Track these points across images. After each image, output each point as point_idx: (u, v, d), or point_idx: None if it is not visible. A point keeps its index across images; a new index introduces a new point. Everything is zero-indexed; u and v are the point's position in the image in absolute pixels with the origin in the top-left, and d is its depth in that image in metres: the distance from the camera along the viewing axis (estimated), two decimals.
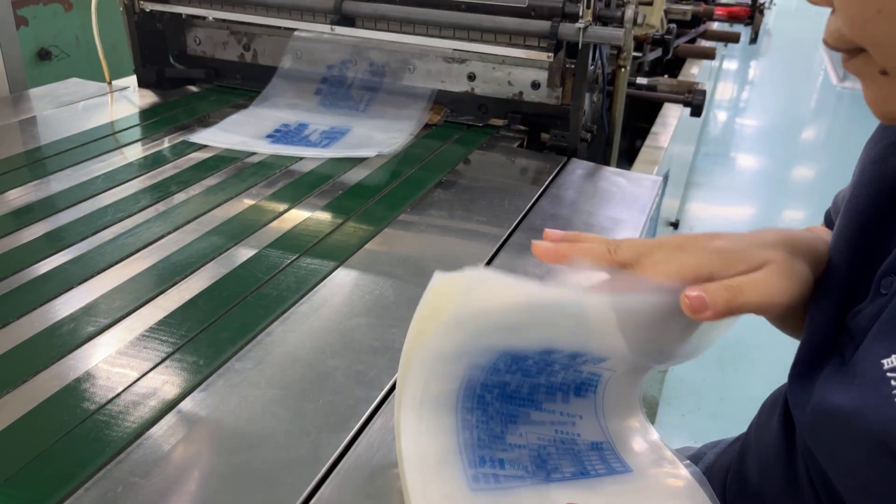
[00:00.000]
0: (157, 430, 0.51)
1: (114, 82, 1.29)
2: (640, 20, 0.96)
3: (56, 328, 0.62)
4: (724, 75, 5.55)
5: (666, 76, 1.89)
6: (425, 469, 0.43)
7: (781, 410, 0.49)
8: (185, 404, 0.54)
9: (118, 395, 0.54)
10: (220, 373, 0.57)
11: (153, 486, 0.47)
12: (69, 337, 0.60)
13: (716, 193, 3.47)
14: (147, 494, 0.46)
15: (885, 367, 0.36)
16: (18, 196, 0.85)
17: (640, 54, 1.57)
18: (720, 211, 3.35)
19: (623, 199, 0.94)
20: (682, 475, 0.46)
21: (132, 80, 1.30)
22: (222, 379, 0.57)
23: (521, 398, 0.46)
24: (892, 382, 0.35)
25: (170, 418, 0.52)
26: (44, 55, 2.28)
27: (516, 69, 1.10)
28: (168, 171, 0.94)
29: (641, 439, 0.48)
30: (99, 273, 0.70)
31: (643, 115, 1.68)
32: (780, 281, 0.42)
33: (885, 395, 0.35)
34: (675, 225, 2.22)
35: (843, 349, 0.42)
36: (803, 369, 0.45)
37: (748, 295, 0.41)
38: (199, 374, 0.57)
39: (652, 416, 1.72)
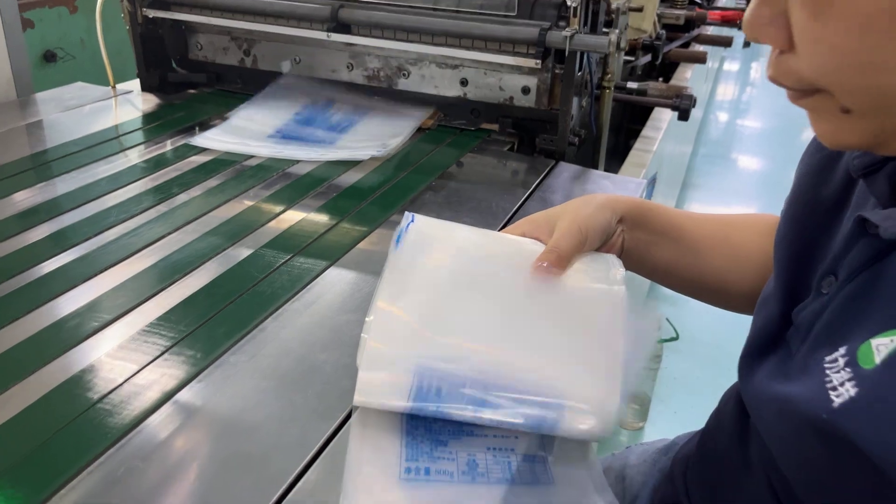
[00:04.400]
0: (156, 418, 0.55)
1: (118, 86, 1.33)
2: (623, 45, 1.00)
3: (62, 323, 0.65)
4: (724, 76, 5.58)
5: (660, 79, 1.93)
6: (365, 449, 0.48)
7: (737, 397, 0.53)
8: (183, 394, 0.57)
9: (119, 385, 0.58)
10: (216, 365, 0.61)
11: (153, 469, 0.50)
12: (74, 332, 0.64)
13: (714, 195, 3.50)
14: (147, 476, 0.50)
15: (826, 361, 0.39)
16: (26, 198, 0.89)
17: (632, 59, 1.60)
18: (718, 211, 3.37)
19: None
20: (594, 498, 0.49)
21: (135, 84, 1.34)
22: (218, 371, 0.60)
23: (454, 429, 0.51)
24: (828, 373, 0.38)
25: (168, 407, 0.56)
26: (49, 57, 2.31)
27: (507, 75, 1.13)
28: (170, 173, 0.98)
29: (578, 457, 0.51)
30: (102, 271, 0.74)
31: (638, 117, 1.72)
32: (567, 230, 0.56)
33: (818, 386, 0.38)
34: None
35: (789, 341, 0.46)
36: (752, 357, 0.48)
37: (561, 246, 0.55)
38: (197, 366, 0.60)
39: (644, 414, 1.75)
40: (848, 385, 0.36)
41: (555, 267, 0.53)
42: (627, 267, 0.57)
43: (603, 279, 0.55)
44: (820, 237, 0.48)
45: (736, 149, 4.18)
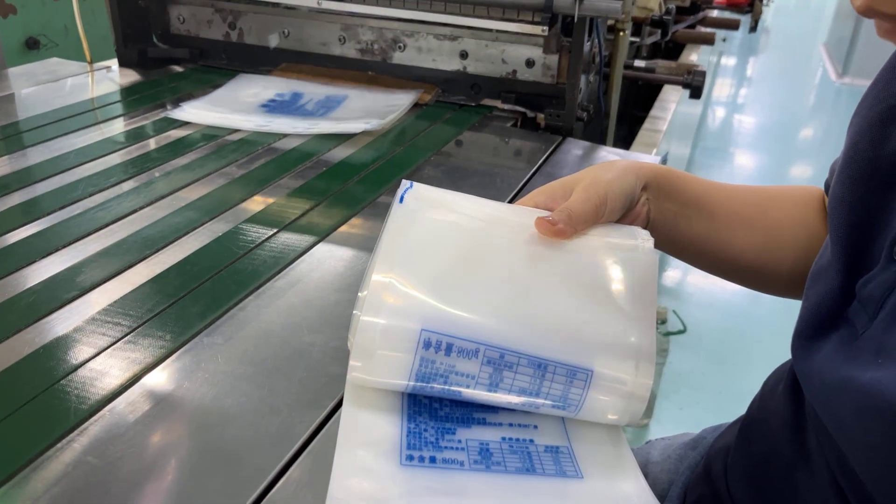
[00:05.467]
0: (117, 405, 0.47)
1: (95, 63, 1.25)
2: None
3: (15, 301, 0.58)
4: (722, 71, 5.52)
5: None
6: (360, 434, 0.42)
7: (789, 382, 0.46)
8: (148, 380, 0.50)
9: (74, 369, 0.50)
10: (187, 348, 0.53)
11: (111, 466, 0.43)
12: (28, 310, 0.56)
13: None
14: (104, 474, 0.42)
15: None
16: None
17: (637, 39, 1.53)
18: None
19: None
20: (631, 491, 0.42)
21: (114, 61, 1.26)
22: (189, 355, 0.53)
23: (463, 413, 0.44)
24: None
25: (130, 394, 0.49)
26: (32, 44, 2.23)
27: (510, 46, 1.06)
28: (146, 147, 0.90)
29: (608, 450, 0.44)
30: (65, 246, 0.66)
31: (641, 104, 1.65)
32: (584, 194, 0.48)
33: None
34: None
35: (853, 319, 0.39)
36: (809, 339, 0.41)
37: (573, 207, 0.47)
38: (164, 349, 0.53)
39: (649, 411, 1.68)
40: None
41: (564, 226, 0.46)
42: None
43: (629, 247, 0.47)
44: (886, 198, 0.41)
45: (735, 143, 4.12)
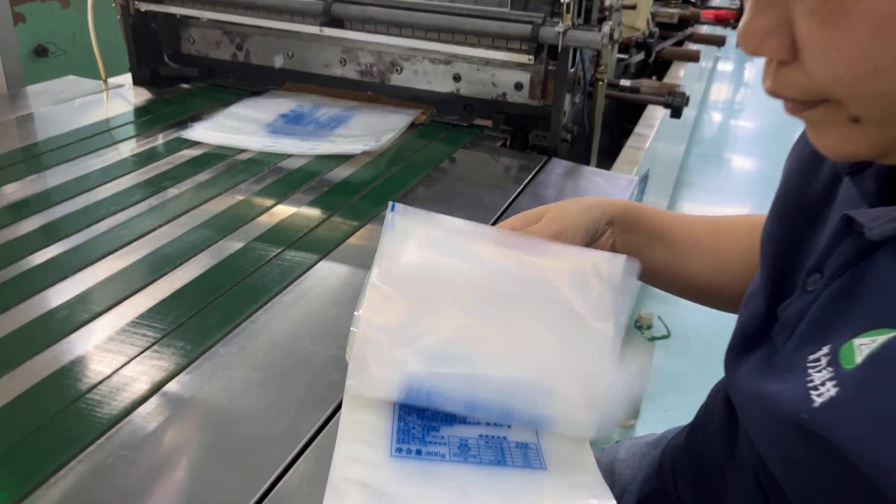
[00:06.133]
0: (145, 409, 0.55)
1: (109, 80, 1.33)
2: (616, 36, 1.00)
3: (51, 315, 0.65)
4: (718, 77, 5.58)
5: (654, 77, 1.93)
6: (358, 430, 0.50)
7: (725, 392, 0.53)
8: (172, 386, 0.57)
9: (108, 377, 0.58)
10: (206, 357, 0.61)
11: (140, 461, 0.50)
12: (63, 323, 0.64)
13: (707, 193, 3.50)
14: (134, 468, 0.50)
15: (809, 360, 0.39)
16: (16, 190, 0.89)
17: (625, 56, 1.60)
18: (711, 210, 3.38)
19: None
20: (587, 483, 0.49)
21: (127, 78, 1.34)
22: (208, 362, 0.60)
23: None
24: (810, 372, 0.38)
25: (157, 398, 0.56)
26: (41, 52, 2.30)
27: (500, 70, 1.14)
28: (161, 166, 0.98)
29: (571, 449, 0.52)
30: (93, 263, 0.73)
31: (631, 116, 1.72)
32: (546, 222, 0.57)
33: (801, 385, 0.38)
34: None
35: (774, 338, 0.46)
36: (737, 352, 0.48)
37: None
38: (186, 357, 0.60)
39: (635, 412, 1.75)
40: (829, 385, 0.36)
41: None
42: None
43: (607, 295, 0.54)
44: (806, 234, 0.48)
45: (730, 148, 4.19)
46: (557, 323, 0.52)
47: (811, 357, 0.39)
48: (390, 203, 0.57)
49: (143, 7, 1.24)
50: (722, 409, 0.53)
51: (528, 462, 0.49)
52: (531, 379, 0.50)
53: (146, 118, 1.16)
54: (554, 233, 0.55)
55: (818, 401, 0.36)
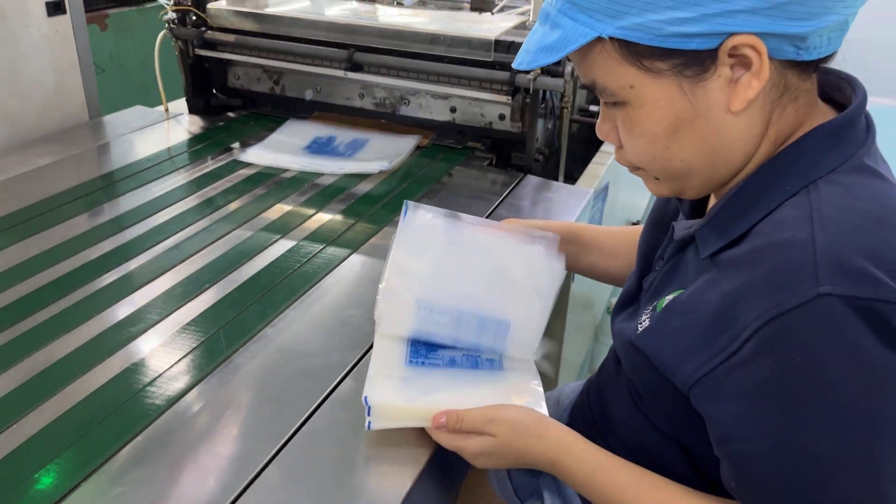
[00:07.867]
0: (211, 377, 0.84)
1: (170, 108, 1.62)
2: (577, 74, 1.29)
3: (141, 313, 0.95)
4: None
5: None
6: (384, 353, 0.80)
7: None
8: (267, 330, 0.87)
9: (174, 364, 0.87)
10: (280, 317, 0.90)
11: (199, 422, 0.80)
12: (181, 297, 0.94)
13: None
14: (195, 427, 0.77)
15: (646, 310, 0.68)
16: (97, 213, 1.18)
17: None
18: None
19: (562, 206, 1.27)
20: (530, 387, 0.79)
21: (182, 105, 1.63)
22: (282, 322, 0.90)
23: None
24: (643, 316, 0.68)
25: (226, 366, 0.86)
26: None
27: (487, 104, 1.43)
28: (222, 185, 1.27)
29: (523, 365, 0.82)
30: (170, 270, 1.02)
31: None
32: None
33: (636, 322, 0.68)
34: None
35: (641, 300, 0.75)
36: (618, 310, 0.78)
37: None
38: (267, 316, 0.90)
39: None
40: (646, 320, 0.66)
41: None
42: None
43: (546, 266, 0.85)
44: (660, 236, 0.77)
45: None
46: (511, 279, 0.82)
47: (647, 308, 0.68)
48: (405, 202, 0.86)
49: (201, 53, 1.54)
50: (612, 359, 0.83)
51: (493, 368, 0.80)
52: (494, 318, 0.80)
53: (203, 144, 1.46)
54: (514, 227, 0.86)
55: (639, 329, 0.66)
